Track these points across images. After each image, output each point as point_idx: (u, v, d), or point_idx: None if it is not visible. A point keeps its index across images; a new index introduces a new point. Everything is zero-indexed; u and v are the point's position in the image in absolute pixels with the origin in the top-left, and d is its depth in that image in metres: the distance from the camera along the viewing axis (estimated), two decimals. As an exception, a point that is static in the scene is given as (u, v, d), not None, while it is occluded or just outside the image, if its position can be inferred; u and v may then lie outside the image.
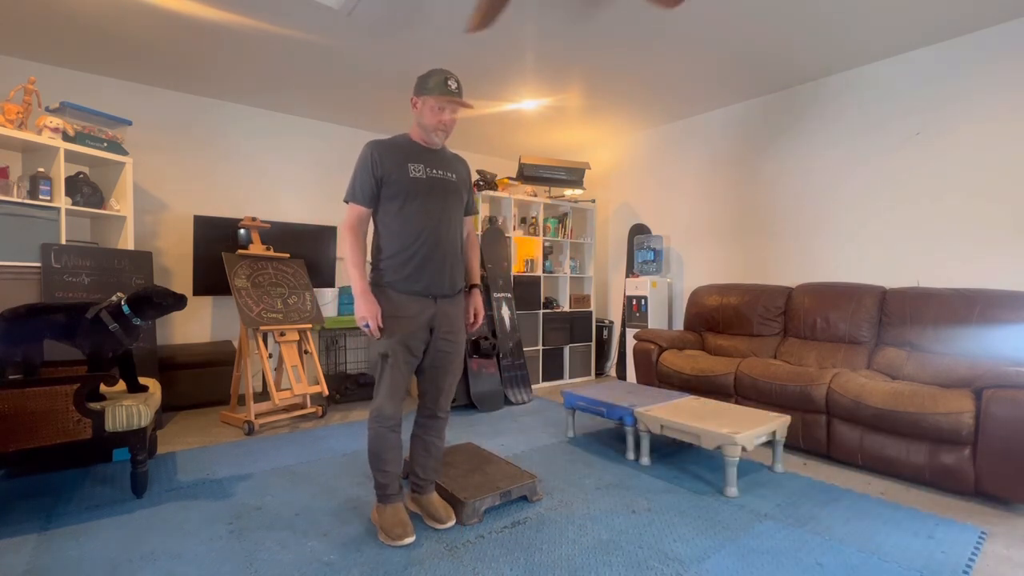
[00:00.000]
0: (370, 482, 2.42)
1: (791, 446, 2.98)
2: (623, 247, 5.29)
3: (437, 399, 2.01)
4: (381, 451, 1.90)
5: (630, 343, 4.55)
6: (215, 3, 2.78)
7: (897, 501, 2.30)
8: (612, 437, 3.19)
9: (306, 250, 4.24)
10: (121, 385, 2.46)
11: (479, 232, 4.33)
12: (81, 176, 3.26)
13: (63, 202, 3.00)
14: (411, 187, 1.87)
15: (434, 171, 1.93)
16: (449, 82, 1.87)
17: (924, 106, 3.27)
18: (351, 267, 1.89)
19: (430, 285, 1.90)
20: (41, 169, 2.98)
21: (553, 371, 4.92)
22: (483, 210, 4.67)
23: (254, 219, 3.70)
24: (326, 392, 3.50)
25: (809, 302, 3.48)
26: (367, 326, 1.84)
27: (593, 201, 5.29)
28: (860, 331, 3.21)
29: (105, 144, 3.26)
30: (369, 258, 1.97)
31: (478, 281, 2.16)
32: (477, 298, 2.12)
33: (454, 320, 1.98)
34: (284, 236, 4.17)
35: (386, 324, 1.86)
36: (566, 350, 5.03)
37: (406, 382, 1.91)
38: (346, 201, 1.92)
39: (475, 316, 2.10)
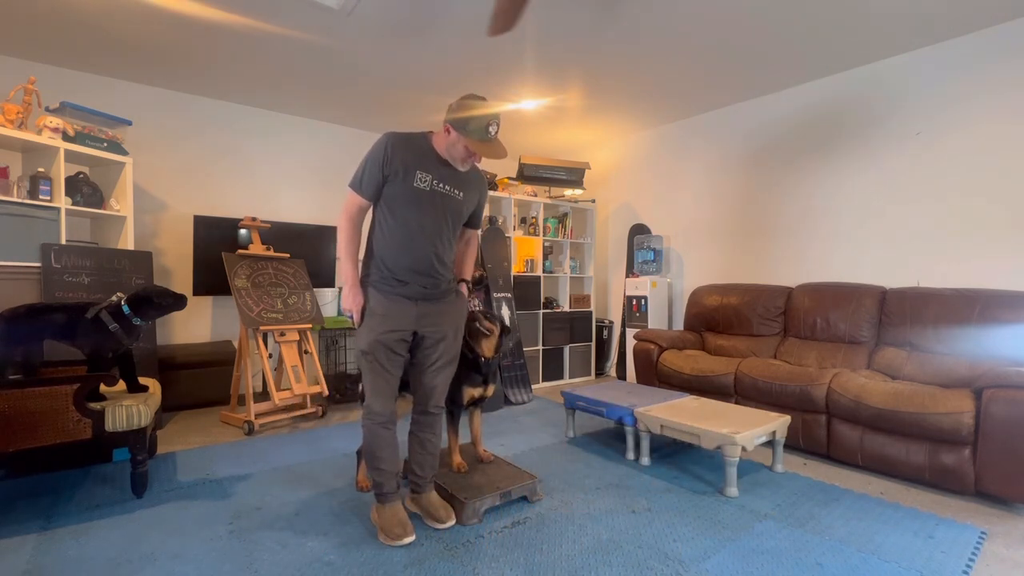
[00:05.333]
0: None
1: (791, 446, 2.98)
2: (623, 247, 5.29)
3: (428, 397, 2.01)
4: (376, 448, 1.90)
5: (630, 343, 4.55)
6: (215, 3, 2.78)
7: (897, 501, 2.30)
8: (612, 437, 3.19)
9: (306, 250, 4.24)
10: (121, 385, 2.46)
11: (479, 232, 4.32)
12: (81, 176, 3.26)
13: (63, 202, 3.00)
14: (411, 196, 1.85)
15: (441, 185, 1.89)
16: (490, 128, 1.81)
17: (924, 106, 3.27)
18: (344, 257, 1.89)
19: (413, 292, 1.89)
20: (41, 169, 2.98)
21: (553, 371, 4.91)
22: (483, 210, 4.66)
23: (254, 219, 3.70)
24: (326, 392, 3.50)
25: (809, 302, 3.48)
26: (352, 316, 1.88)
27: (593, 201, 5.29)
28: (860, 331, 3.21)
29: (105, 144, 3.26)
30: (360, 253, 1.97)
31: (467, 277, 2.15)
32: (462, 297, 2.08)
33: (438, 320, 1.95)
34: (284, 236, 4.17)
35: (367, 321, 1.87)
36: (566, 350, 5.03)
37: (393, 379, 1.90)
38: (350, 187, 1.89)
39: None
